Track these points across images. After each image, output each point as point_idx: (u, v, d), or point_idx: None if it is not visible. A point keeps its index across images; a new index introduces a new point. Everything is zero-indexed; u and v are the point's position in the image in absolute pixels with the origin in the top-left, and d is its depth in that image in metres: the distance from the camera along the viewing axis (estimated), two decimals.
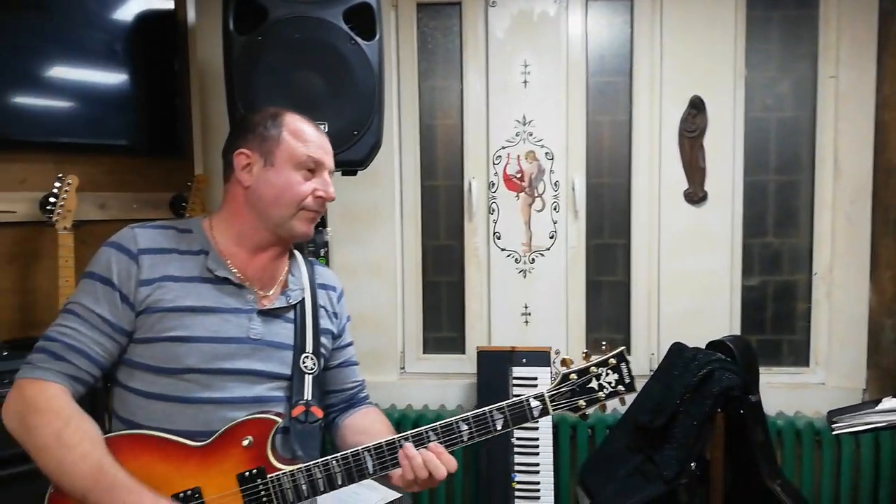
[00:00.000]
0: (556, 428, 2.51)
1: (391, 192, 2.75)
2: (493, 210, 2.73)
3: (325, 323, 1.37)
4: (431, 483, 1.19)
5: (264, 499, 1.15)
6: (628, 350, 2.62)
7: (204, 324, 1.20)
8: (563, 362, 1.26)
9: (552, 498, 2.41)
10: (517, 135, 2.71)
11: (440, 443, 1.18)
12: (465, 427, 1.20)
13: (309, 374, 1.29)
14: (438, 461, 1.17)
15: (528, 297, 2.72)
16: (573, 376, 1.25)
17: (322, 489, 1.16)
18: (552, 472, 2.43)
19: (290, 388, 1.26)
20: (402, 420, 2.63)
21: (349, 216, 2.72)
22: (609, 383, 1.25)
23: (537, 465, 2.43)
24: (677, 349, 2.40)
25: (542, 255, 2.71)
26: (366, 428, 1.36)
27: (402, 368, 2.82)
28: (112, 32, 2.38)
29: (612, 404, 1.28)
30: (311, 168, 1.29)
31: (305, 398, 1.26)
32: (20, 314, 2.14)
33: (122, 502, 1.06)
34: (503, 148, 2.72)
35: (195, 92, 2.74)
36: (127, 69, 2.43)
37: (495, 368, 2.53)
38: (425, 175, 2.82)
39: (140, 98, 2.45)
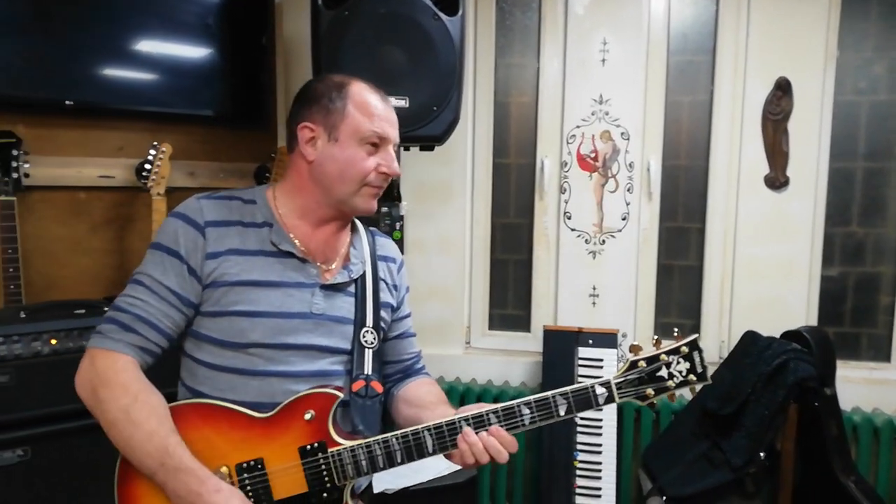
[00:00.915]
0: (621, 410, 2.50)
1: (463, 168, 2.77)
2: (565, 189, 2.72)
3: (385, 296, 1.36)
4: (489, 462, 1.18)
5: (324, 473, 1.16)
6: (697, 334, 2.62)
7: (268, 298, 1.20)
8: (632, 348, 1.23)
9: (614, 479, 2.42)
10: (593, 114, 2.68)
11: (501, 426, 1.17)
12: (527, 411, 1.18)
13: (369, 348, 1.29)
14: (500, 446, 1.15)
15: (597, 278, 2.71)
16: (642, 363, 1.21)
17: (381, 466, 1.17)
18: (615, 454, 2.43)
19: (351, 362, 1.27)
20: (466, 393, 2.68)
21: (421, 191, 2.76)
22: (680, 372, 1.21)
23: (600, 445, 2.43)
24: (751, 337, 2.35)
25: (613, 236, 2.69)
26: (420, 400, 1.35)
27: (468, 343, 2.86)
28: (205, 7, 2.48)
29: (681, 392, 1.25)
30: (376, 143, 1.26)
31: (366, 373, 1.27)
32: (116, 273, 2.29)
33: (185, 486, 1.08)
34: (578, 127, 2.69)
35: (280, 66, 2.82)
36: (217, 43, 2.52)
37: (561, 348, 2.53)
38: (497, 153, 2.83)
39: (228, 71, 2.55)
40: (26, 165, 2.06)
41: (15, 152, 2.03)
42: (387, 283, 1.39)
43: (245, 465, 1.15)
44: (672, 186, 2.70)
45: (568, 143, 2.71)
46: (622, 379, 1.21)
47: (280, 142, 2.78)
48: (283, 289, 1.23)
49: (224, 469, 1.15)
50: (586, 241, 2.71)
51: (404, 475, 1.96)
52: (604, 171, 2.69)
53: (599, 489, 2.42)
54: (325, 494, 1.16)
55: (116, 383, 1.13)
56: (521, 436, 2.56)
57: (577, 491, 2.41)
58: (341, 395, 1.19)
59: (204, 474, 1.10)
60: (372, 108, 1.26)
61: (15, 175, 2.02)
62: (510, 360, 2.77)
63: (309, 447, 1.16)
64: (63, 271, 2.24)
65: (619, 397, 1.20)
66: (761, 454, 2.07)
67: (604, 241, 2.70)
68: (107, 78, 2.27)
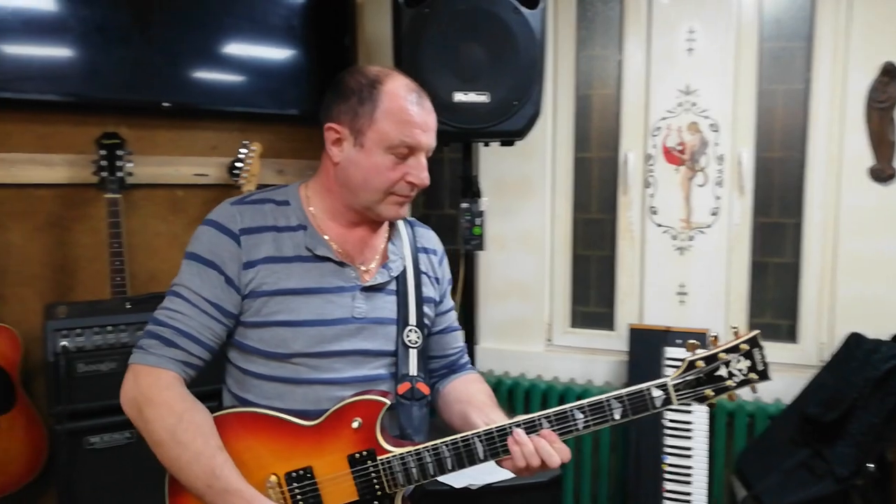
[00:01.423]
0: (713, 413, 2.40)
1: (543, 163, 2.73)
2: (650, 184, 2.63)
3: (427, 291, 1.31)
4: (544, 469, 1.14)
5: (374, 481, 1.14)
6: (793, 336, 2.49)
7: (308, 306, 1.17)
8: (689, 347, 1.17)
9: (705, 484, 2.32)
10: (679, 105, 2.58)
11: (553, 430, 1.12)
12: (581, 415, 1.12)
13: (413, 348, 1.25)
14: (551, 448, 1.11)
15: (685, 275, 2.61)
16: (700, 363, 1.15)
17: (432, 473, 1.13)
18: (706, 458, 2.34)
19: (396, 364, 1.24)
20: (548, 392, 2.64)
21: (501, 187, 2.74)
22: (740, 370, 1.14)
23: (690, 448, 2.34)
24: (855, 340, 2.21)
25: (702, 232, 2.58)
26: (468, 397, 1.30)
27: (549, 340, 2.82)
28: (290, 9, 2.56)
29: (749, 392, 1.18)
30: (405, 154, 1.17)
31: (410, 374, 1.23)
32: None
33: None
34: (663, 119, 2.61)
35: (362, 65, 2.87)
36: (302, 44, 2.60)
37: (647, 347, 2.46)
38: (579, 147, 2.77)
39: (313, 71, 2.62)
40: (129, 165, 2.18)
41: (119, 153, 2.15)
42: (429, 276, 1.34)
43: (294, 474, 1.14)
44: (766, 179, 2.57)
45: (653, 135, 2.62)
46: (680, 380, 1.15)
47: None
48: (322, 295, 1.19)
49: (273, 478, 1.14)
50: (673, 236, 2.62)
51: (489, 471, 1.95)
52: (691, 164, 2.59)
53: (689, 494, 2.33)
54: (375, 503, 1.14)
55: (161, 402, 1.11)
56: (605, 436, 2.54)
57: (666, 495, 2.33)
58: (388, 401, 1.16)
59: (250, 494, 1.09)
60: (405, 113, 1.16)
61: (120, 174, 2.14)
62: (593, 358, 2.71)
63: (358, 455, 1.14)
64: (163, 265, 2.36)
65: (678, 399, 1.15)
66: (870, 465, 1.93)
67: (692, 237, 2.60)
68: (200, 80, 2.37)
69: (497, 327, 2.82)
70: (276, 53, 2.55)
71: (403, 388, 1.23)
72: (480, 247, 2.24)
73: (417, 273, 1.30)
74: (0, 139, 2.13)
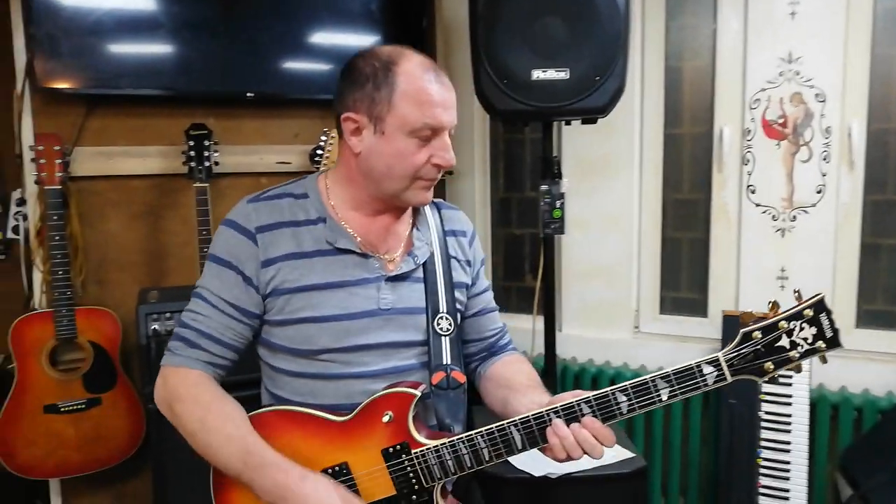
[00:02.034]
0: (814, 405, 2.23)
1: (630, 141, 2.60)
2: (748, 160, 2.45)
3: (457, 275, 1.27)
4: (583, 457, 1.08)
5: (410, 475, 1.11)
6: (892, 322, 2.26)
7: (332, 301, 1.15)
8: (744, 317, 1.06)
9: (805, 481, 2.16)
10: (780, 74, 2.38)
11: (595, 416, 1.06)
12: (624, 398, 1.06)
13: (445, 336, 1.21)
14: (594, 440, 1.05)
15: (786, 258, 2.42)
16: (757, 334, 1.03)
17: (469, 465, 1.10)
18: (806, 453, 2.17)
19: (428, 353, 1.20)
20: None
21: (584, 167, 2.64)
22: (805, 339, 1.02)
23: (788, 443, 2.18)
24: None
25: (806, 211, 2.38)
26: (509, 380, 1.26)
27: (636, 327, 2.71)
28: None
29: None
30: (428, 136, 1.13)
31: (444, 363, 1.20)
32: None
33: (272, 479, 1.07)
34: (762, 90, 2.41)
35: (440, 48, 2.84)
36: (381, 30, 2.60)
37: None
38: (669, 122, 2.62)
39: None
40: (216, 154, 2.25)
41: (207, 143, 2.23)
42: (458, 260, 1.29)
43: (330, 470, 1.12)
44: (879, 153, 2.33)
45: (751, 108, 2.44)
46: (734, 354, 1.04)
47: None
48: (346, 288, 1.16)
49: (322, 475, 1.12)
50: (773, 217, 2.44)
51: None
52: (794, 138, 2.39)
53: (787, 491, 2.18)
54: (413, 497, 1.12)
55: (188, 397, 1.13)
56: (696, 428, 2.42)
57: (761, 491, 2.19)
58: (418, 392, 1.12)
59: (287, 465, 1.08)
60: (424, 94, 1.11)
61: (207, 163, 2.22)
62: (683, 346, 2.58)
63: (392, 450, 1.11)
64: None
65: (733, 375, 1.05)
66: None
67: (794, 218, 2.40)
68: (282, 69, 2.42)
69: (581, 313, 2.74)
70: (355, 40, 2.55)
71: (438, 377, 1.19)
72: (561, 230, 2.16)
73: (446, 258, 1.26)
74: (98, 133, 2.26)
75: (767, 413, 2.20)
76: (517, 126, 2.51)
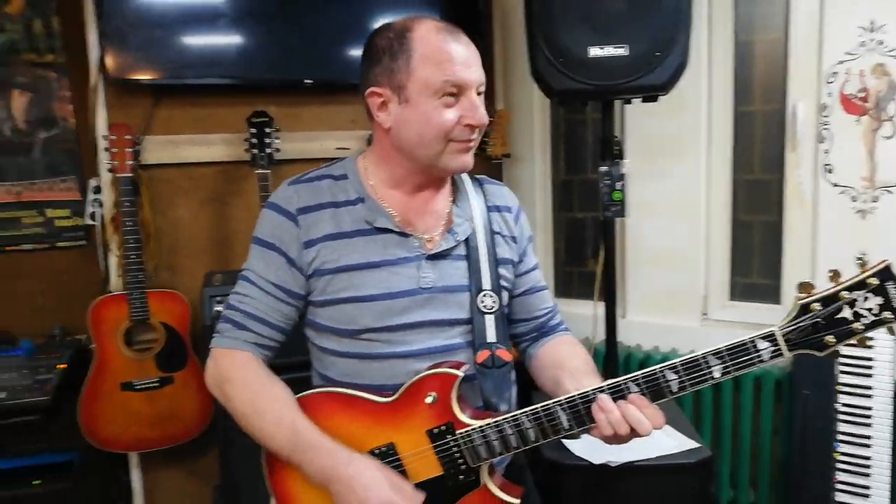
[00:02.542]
0: None
1: (697, 119, 2.49)
2: (824, 138, 2.31)
3: (502, 252, 1.24)
4: (635, 436, 1.05)
5: (456, 454, 1.10)
6: None
7: (373, 280, 1.14)
8: (803, 288, 0.99)
9: (888, 478, 2.03)
10: (861, 45, 2.23)
11: (644, 394, 1.03)
12: (674, 376, 1.02)
13: (489, 313, 1.18)
14: (640, 414, 1.02)
15: (868, 242, 2.27)
16: (816, 306, 0.98)
17: (515, 445, 1.08)
18: (889, 448, 2.04)
19: (472, 331, 1.18)
20: None
21: (647, 147, 2.55)
22: (869, 310, 0.96)
23: (868, 437, 2.06)
24: None
25: (890, 191, 2.23)
26: (560, 361, 1.22)
27: (705, 314, 2.61)
28: None
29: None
30: (453, 92, 1.11)
31: (489, 341, 1.17)
32: None
33: (319, 463, 1.08)
34: (841, 63, 2.26)
35: (497, 30, 2.80)
36: (436, 12, 2.59)
37: None
38: (739, 99, 2.50)
39: None
40: (277, 141, 2.30)
41: (268, 130, 2.28)
42: (503, 236, 1.26)
43: (377, 450, 1.12)
44: None
45: (828, 82, 2.29)
46: (792, 327, 0.98)
47: (499, 105, 2.77)
48: (386, 268, 1.15)
49: (370, 457, 1.12)
50: (853, 198, 2.29)
51: (630, 448, 1.83)
52: (876, 113, 2.23)
53: (867, 487, 2.05)
54: (461, 477, 1.11)
55: (238, 379, 1.15)
56: (767, 420, 2.31)
57: (838, 486, 2.08)
58: (460, 373, 1.11)
59: (334, 448, 1.09)
60: (441, 52, 1.10)
61: (268, 150, 2.27)
62: (755, 334, 2.46)
63: (436, 430, 1.10)
64: None
65: (790, 349, 0.99)
66: None
67: (876, 199, 2.25)
68: (339, 56, 2.45)
69: (646, 299, 2.66)
70: None
71: (482, 356, 1.17)
72: (622, 213, 2.09)
73: (490, 234, 1.23)
74: (166, 122, 2.35)
75: (845, 405, 2.08)
76: (576, 106, 2.45)
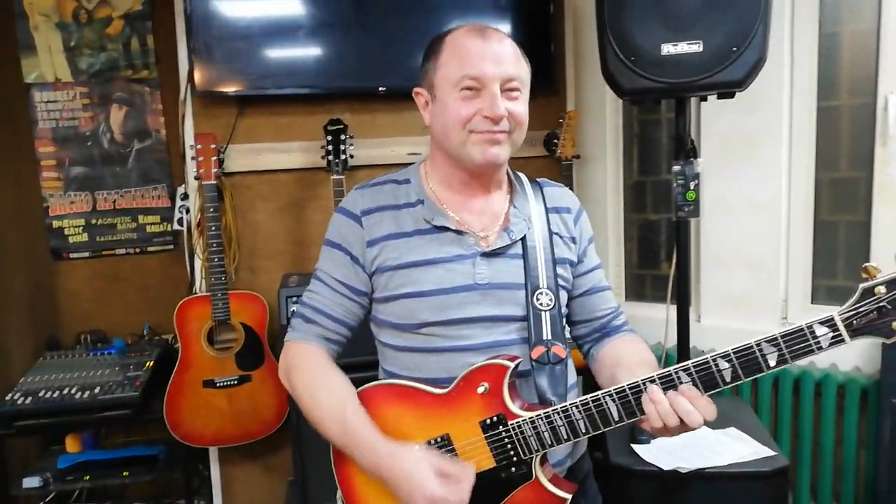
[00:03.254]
0: None
1: (777, 115, 2.40)
2: None
3: (560, 252, 1.26)
4: (685, 430, 1.03)
5: (508, 446, 1.12)
6: None
7: (430, 276, 1.18)
8: (866, 272, 0.93)
9: None
10: None
11: (695, 384, 1.01)
12: (726, 364, 0.99)
13: (545, 311, 1.19)
14: (690, 405, 1.00)
15: None
16: (880, 289, 0.92)
17: (565, 437, 1.09)
18: None
19: (528, 328, 1.19)
20: (781, 375, 2.35)
21: (723, 144, 2.48)
22: None
23: None
24: None
25: None
26: (619, 359, 1.22)
27: (784, 318, 2.50)
28: None
29: None
30: (471, 86, 1.14)
31: (544, 338, 1.18)
32: None
33: (366, 458, 1.13)
34: None
35: (569, 32, 2.79)
36: (508, 18, 2.62)
37: None
38: (823, 94, 2.38)
39: (521, 43, 2.59)
40: (351, 148, 2.38)
41: (343, 137, 2.36)
42: (562, 237, 1.28)
43: (434, 441, 1.15)
44: None
45: None
46: (852, 312, 0.93)
47: (570, 105, 2.75)
48: (443, 264, 1.19)
49: (417, 447, 1.14)
50: None
51: (701, 454, 1.80)
52: None
53: None
54: (513, 469, 1.12)
55: (302, 368, 1.23)
56: (852, 430, 2.21)
57: None
58: (511, 364, 1.12)
59: (378, 444, 1.12)
60: (463, 49, 1.16)
61: (343, 156, 2.35)
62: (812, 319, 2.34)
63: (489, 421, 1.12)
64: None
65: (852, 336, 0.94)
66: None
67: None
68: (411, 63, 2.46)
69: (722, 302, 2.58)
70: None
71: (538, 352, 1.18)
72: (696, 213, 2.04)
73: (548, 234, 1.25)
74: (248, 131, 2.47)
75: None
76: (648, 105, 2.41)
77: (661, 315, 2.55)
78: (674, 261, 2.18)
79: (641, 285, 2.94)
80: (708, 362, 1.01)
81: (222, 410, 2.34)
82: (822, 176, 2.43)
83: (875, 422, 2.15)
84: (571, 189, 2.64)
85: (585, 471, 1.33)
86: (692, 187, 2.03)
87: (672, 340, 2.40)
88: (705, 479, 1.73)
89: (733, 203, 2.50)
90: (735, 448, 1.82)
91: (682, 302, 2.10)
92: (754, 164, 2.45)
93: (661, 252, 2.86)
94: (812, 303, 2.48)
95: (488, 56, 1.15)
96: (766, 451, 1.79)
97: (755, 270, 2.49)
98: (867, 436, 2.22)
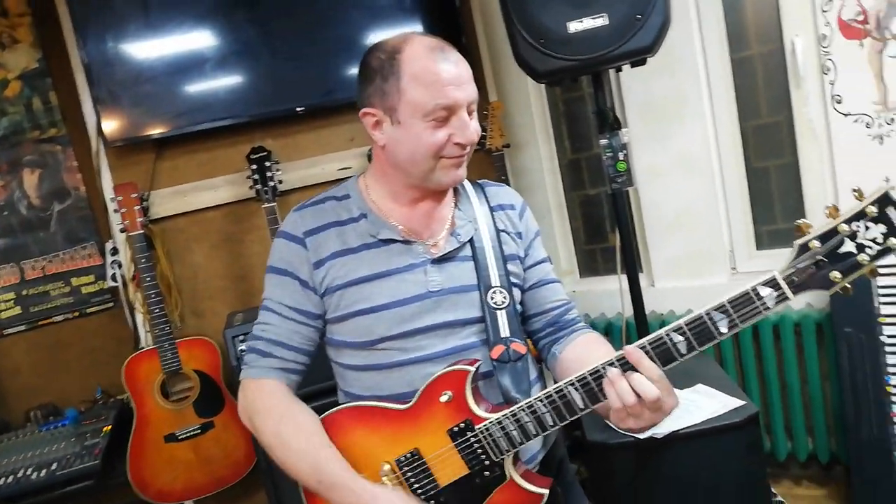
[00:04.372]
0: None
1: (695, 74, 2.44)
2: (828, 69, 2.23)
3: (508, 248, 1.26)
4: (653, 417, 1.02)
5: (479, 450, 1.10)
6: None
7: (382, 290, 1.17)
8: (799, 228, 0.96)
9: None
10: None
11: (654, 360, 1.01)
12: (680, 337, 1.00)
13: (500, 309, 1.19)
14: (645, 381, 1.00)
15: (890, 167, 2.18)
16: (814, 244, 0.95)
17: (534, 432, 1.08)
18: None
19: (486, 329, 1.19)
20: None
21: (648, 111, 2.51)
22: (873, 240, 0.92)
23: None
24: None
25: None
26: (586, 358, 1.17)
27: (733, 268, 2.55)
28: None
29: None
30: (444, 115, 1.12)
31: (503, 336, 1.18)
32: None
33: (343, 500, 1.10)
34: None
35: (479, 24, 2.78)
36: (415, 18, 2.60)
37: None
38: (734, 46, 2.43)
39: None
40: (279, 173, 2.32)
41: (268, 163, 2.30)
42: (508, 233, 1.28)
43: (403, 458, 1.13)
44: None
45: (823, 11, 2.21)
46: (791, 269, 0.96)
47: (491, 97, 2.75)
48: (394, 276, 1.18)
49: (386, 466, 1.13)
50: (867, 125, 2.21)
51: (673, 417, 1.80)
52: (878, 33, 2.15)
53: None
54: (486, 472, 1.11)
55: (264, 408, 1.18)
56: (814, 365, 2.25)
57: None
58: (472, 368, 1.11)
59: (357, 485, 1.10)
60: (429, 74, 1.11)
61: (271, 183, 2.29)
62: (755, 282, 2.39)
63: (456, 428, 1.11)
64: None
65: (795, 292, 0.96)
66: None
67: (892, 120, 2.17)
68: (325, 78, 2.46)
69: (672, 264, 2.61)
70: (391, 32, 2.53)
71: (497, 351, 1.18)
72: (629, 182, 2.06)
73: (495, 232, 1.25)
74: (169, 174, 2.40)
75: (891, 336, 2.00)
76: (566, 84, 2.42)
77: (616, 286, 2.56)
78: (618, 234, 2.19)
79: (593, 260, 2.95)
80: (662, 337, 1.01)
81: (189, 462, 2.26)
82: (746, 125, 2.48)
83: (833, 352, 2.20)
84: (507, 178, 2.65)
85: (560, 456, 1.32)
86: (621, 158, 2.04)
87: (630, 310, 2.42)
88: (681, 440, 1.74)
89: (667, 166, 2.53)
90: (705, 404, 1.83)
91: (631, 270, 2.11)
92: (680, 126, 2.48)
93: (606, 225, 2.88)
94: (757, 249, 2.53)
95: (455, 82, 1.12)
96: (736, 402, 1.81)
97: (698, 228, 2.53)
98: (829, 368, 2.27)
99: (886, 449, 2.02)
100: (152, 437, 2.24)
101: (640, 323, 2.11)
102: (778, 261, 2.48)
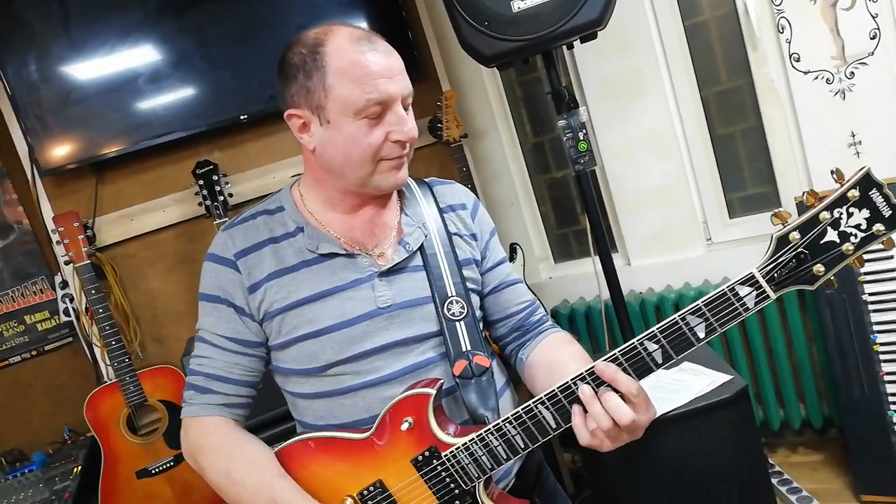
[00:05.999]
0: None
1: (650, 46, 2.37)
2: (783, 28, 2.18)
3: (463, 253, 1.14)
4: (631, 436, 0.94)
5: (447, 479, 1.00)
6: None
7: (326, 311, 1.05)
8: (777, 217, 0.88)
9: None
10: None
11: (628, 373, 0.92)
12: (654, 346, 0.92)
13: (459, 321, 1.08)
14: (623, 405, 0.91)
15: (854, 121, 2.14)
16: (794, 236, 0.87)
17: (504, 457, 0.98)
18: None
19: (445, 343, 1.08)
20: None
21: (607, 89, 2.44)
22: (857, 227, 0.85)
23: None
24: None
25: (864, 63, 2.10)
26: (559, 364, 1.10)
27: (709, 239, 2.50)
28: None
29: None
30: (378, 111, 1.01)
31: (464, 349, 1.07)
32: None
33: None
34: None
35: (424, 14, 2.69)
36: (356, 13, 2.50)
37: None
38: (686, 13, 2.37)
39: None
40: (227, 186, 2.22)
41: (215, 177, 2.19)
42: (461, 236, 1.17)
43: (366, 491, 1.03)
44: None
45: None
46: (771, 265, 0.88)
47: (444, 86, 2.66)
48: (338, 294, 1.06)
49: (349, 501, 1.03)
50: (828, 80, 2.16)
51: (662, 399, 1.75)
52: None
53: None
54: (457, 502, 1.01)
55: (208, 448, 1.08)
56: (798, 329, 2.20)
57: (887, 378, 1.97)
58: (433, 390, 1.00)
59: None
60: (358, 67, 0.99)
61: (221, 197, 2.19)
62: (764, 246, 2.35)
63: (421, 457, 1.01)
64: None
65: (776, 290, 0.88)
66: None
67: (852, 74, 2.12)
68: (268, 84, 2.32)
69: (646, 241, 2.55)
70: None
71: (460, 366, 1.06)
72: (592, 162, 1.98)
73: (447, 237, 1.14)
74: (113, 198, 2.28)
75: (872, 294, 1.96)
76: (517, 66, 2.33)
77: (591, 269, 2.50)
78: (587, 216, 2.12)
79: (567, 244, 2.89)
80: (636, 347, 0.93)
81: (166, 496, 2.16)
82: (707, 93, 2.43)
83: (815, 313, 2.16)
84: (468, 169, 2.57)
85: (537, 463, 1.23)
86: (581, 137, 1.97)
87: (606, 291, 2.35)
88: (672, 421, 1.69)
89: (632, 142, 2.47)
90: (693, 383, 1.78)
91: (604, 250, 2.04)
92: (641, 100, 2.42)
93: (576, 207, 2.82)
94: (730, 218, 2.48)
95: (387, 73, 1.01)
96: (723, 377, 1.75)
97: (669, 202, 2.47)
98: (813, 330, 2.23)
99: (878, 407, 1.98)
100: (124, 475, 2.13)
101: (618, 302, 2.05)
102: (753, 226, 2.43)
